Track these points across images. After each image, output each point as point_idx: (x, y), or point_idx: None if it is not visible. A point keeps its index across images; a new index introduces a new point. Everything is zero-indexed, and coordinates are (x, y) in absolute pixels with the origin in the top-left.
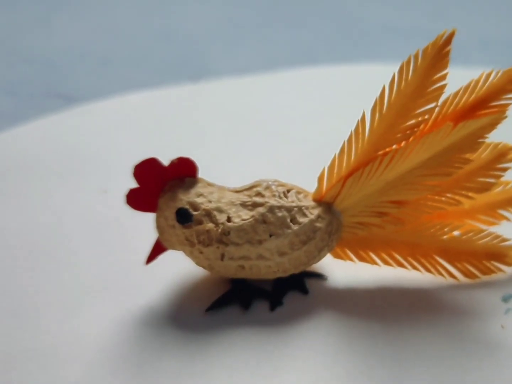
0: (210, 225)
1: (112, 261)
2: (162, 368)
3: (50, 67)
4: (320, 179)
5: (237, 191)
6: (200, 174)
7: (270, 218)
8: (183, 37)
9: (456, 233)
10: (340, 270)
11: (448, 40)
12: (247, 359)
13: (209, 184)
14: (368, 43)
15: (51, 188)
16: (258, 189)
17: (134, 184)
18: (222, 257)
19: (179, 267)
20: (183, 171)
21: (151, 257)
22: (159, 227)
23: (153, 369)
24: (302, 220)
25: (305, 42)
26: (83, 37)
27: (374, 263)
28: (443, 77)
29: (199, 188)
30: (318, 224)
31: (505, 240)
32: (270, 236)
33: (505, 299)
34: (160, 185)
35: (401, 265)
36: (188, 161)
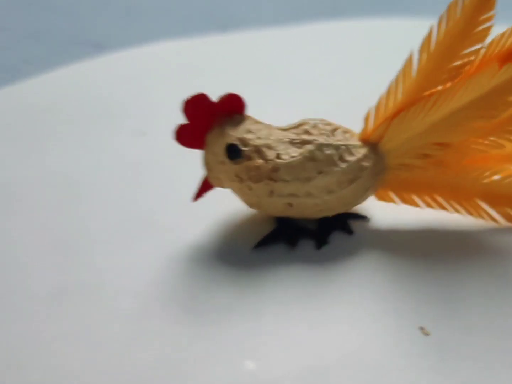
0: (260, 161)
1: (157, 199)
2: (213, 303)
3: (76, 15)
4: (367, 119)
5: (284, 129)
6: None
7: (319, 155)
8: None
9: (497, 177)
10: (383, 212)
11: None
12: (297, 294)
13: (257, 122)
14: None
15: (88, 131)
16: (306, 127)
17: (182, 120)
18: (271, 193)
19: (226, 206)
20: (232, 107)
21: (199, 194)
22: (207, 163)
23: (204, 304)
24: (350, 158)
25: None
26: None
27: (417, 205)
28: (490, 18)
29: (248, 125)
30: (365, 163)
31: None
32: (319, 173)
33: None
34: (209, 121)
35: (442, 207)
36: (237, 97)
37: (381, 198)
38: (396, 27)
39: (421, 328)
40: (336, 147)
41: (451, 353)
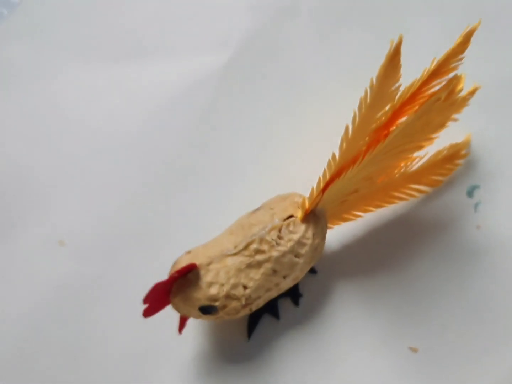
0: (234, 303)
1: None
2: None
3: None
4: (303, 205)
5: (235, 254)
6: None
7: (279, 267)
8: None
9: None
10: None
11: (397, 48)
12: (305, 360)
13: (208, 264)
14: None
15: None
16: (254, 246)
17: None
18: (250, 311)
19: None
20: (184, 272)
21: (182, 327)
22: (182, 314)
23: None
24: (304, 250)
25: None
26: None
27: (357, 217)
28: (397, 80)
29: (205, 277)
30: (316, 241)
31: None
32: (284, 278)
33: (469, 193)
34: (168, 292)
35: (379, 206)
36: (188, 266)
37: None
38: None
39: (410, 348)
40: (290, 250)
41: (438, 358)
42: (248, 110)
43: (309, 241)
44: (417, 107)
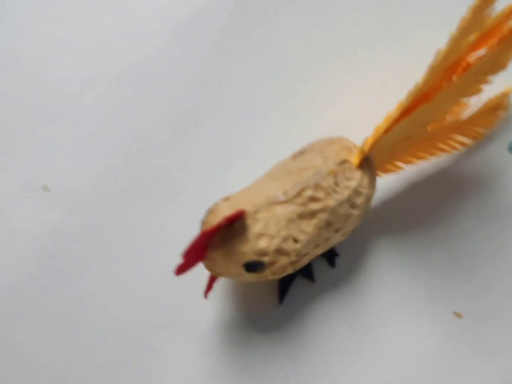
0: (283, 259)
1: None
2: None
3: None
4: (361, 148)
5: (285, 202)
6: None
7: (334, 218)
8: None
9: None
10: None
11: None
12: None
13: (255, 212)
14: None
15: None
16: (309, 193)
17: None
18: (293, 270)
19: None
20: (233, 220)
21: (209, 288)
22: (217, 273)
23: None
24: (360, 200)
25: None
26: None
27: (399, 168)
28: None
29: (253, 227)
30: (371, 191)
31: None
32: (336, 232)
33: (511, 149)
34: (207, 244)
35: (422, 158)
36: (237, 214)
37: None
38: None
39: (454, 313)
40: (347, 199)
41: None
42: (271, 40)
43: (365, 190)
44: (491, 39)
